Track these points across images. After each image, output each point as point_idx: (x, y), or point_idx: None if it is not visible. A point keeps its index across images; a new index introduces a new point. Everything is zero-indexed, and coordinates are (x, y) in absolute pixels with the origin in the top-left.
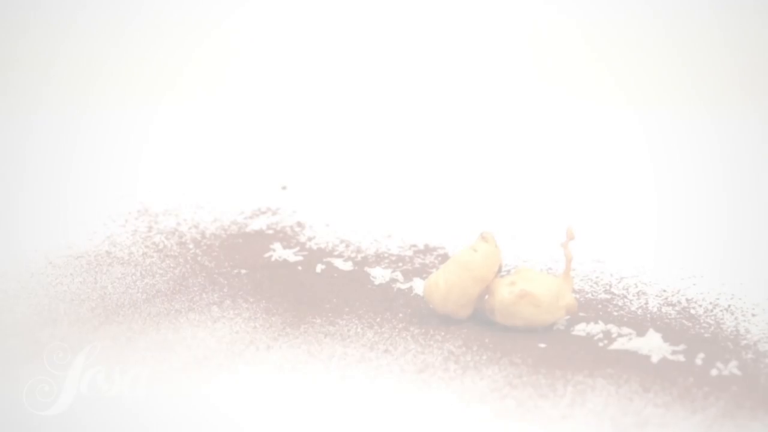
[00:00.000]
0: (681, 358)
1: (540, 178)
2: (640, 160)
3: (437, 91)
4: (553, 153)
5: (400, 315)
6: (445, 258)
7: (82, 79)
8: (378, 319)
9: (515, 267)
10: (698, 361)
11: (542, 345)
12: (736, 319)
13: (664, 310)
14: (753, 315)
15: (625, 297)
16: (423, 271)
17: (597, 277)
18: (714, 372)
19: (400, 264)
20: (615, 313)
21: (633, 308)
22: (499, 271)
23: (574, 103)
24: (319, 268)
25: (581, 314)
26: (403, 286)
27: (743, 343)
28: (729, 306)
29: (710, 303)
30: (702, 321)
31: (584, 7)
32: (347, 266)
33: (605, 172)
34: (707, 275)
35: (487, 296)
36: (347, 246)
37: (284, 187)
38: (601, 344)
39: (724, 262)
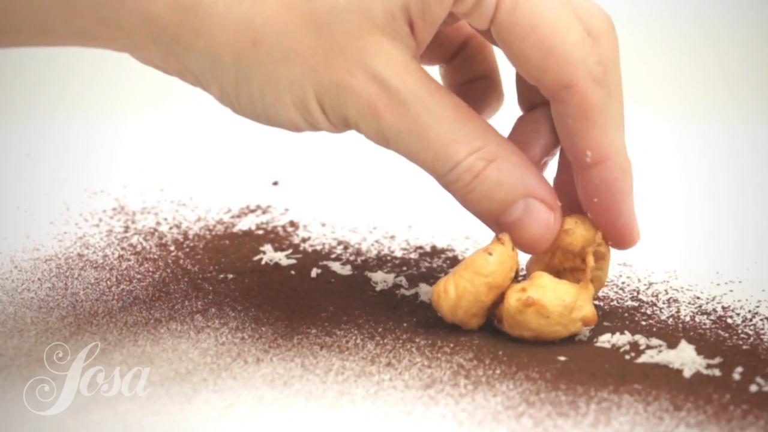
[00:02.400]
0: (716, 372)
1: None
2: (671, 156)
3: None
4: None
5: (405, 324)
6: (454, 262)
7: (54, 68)
8: (380, 329)
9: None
10: (736, 376)
11: (562, 358)
12: None
13: (697, 319)
14: None
15: (655, 305)
16: (430, 276)
17: (623, 283)
18: (753, 388)
19: (405, 268)
20: (643, 323)
21: (663, 317)
22: (516, 276)
23: None
24: (315, 272)
25: (606, 324)
26: (408, 293)
27: None
28: None
29: (749, 311)
30: (740, 331)
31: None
32: (346, 270)
33: (633, 168)
34: (746, 280)
35: (500, 304)
36: (345, 248)
37: (275, 183)
38: (627, 357)
39: (765, 265)
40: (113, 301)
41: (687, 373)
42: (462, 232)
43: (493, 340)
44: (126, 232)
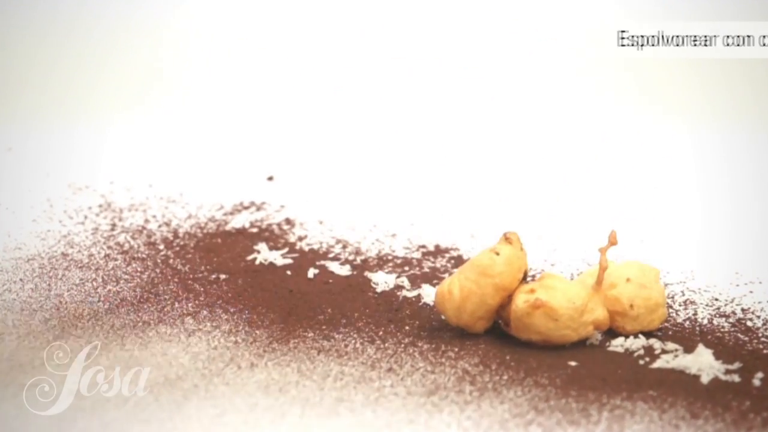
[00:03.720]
0: (736, 378)
1: (572, 170)
2: (687, 153)
3: (461, 70)
4: (585, 144)
5: (407, 328)
6: (459, 261)
7: (37, 61)
8: (380, 333)
9: (542, 272)
10: (756, 382)
11: (573, 363)
12: None
13: (716, 321)
14: None
15: (671, 307)
16: (433, 277)
17: None
18: None
19: (407, 268)
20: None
21: (679, 320)
22: (525, 278)
23: (620, 99)
24: (312, 272)
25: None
26: (410, 294)
27: None
28: None
29: None
30: (761, 335)
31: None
32: (344, 271)
33: (648, 166)
34: (766, 281)
35: (507, 306)
36: (344, 247)
37: (270, 178)
38: (641, 362)
39: None
40: (99, 303)
41: (704, 379)
42: (467, 230)
43: (500, 344)
44: (113, 230)
